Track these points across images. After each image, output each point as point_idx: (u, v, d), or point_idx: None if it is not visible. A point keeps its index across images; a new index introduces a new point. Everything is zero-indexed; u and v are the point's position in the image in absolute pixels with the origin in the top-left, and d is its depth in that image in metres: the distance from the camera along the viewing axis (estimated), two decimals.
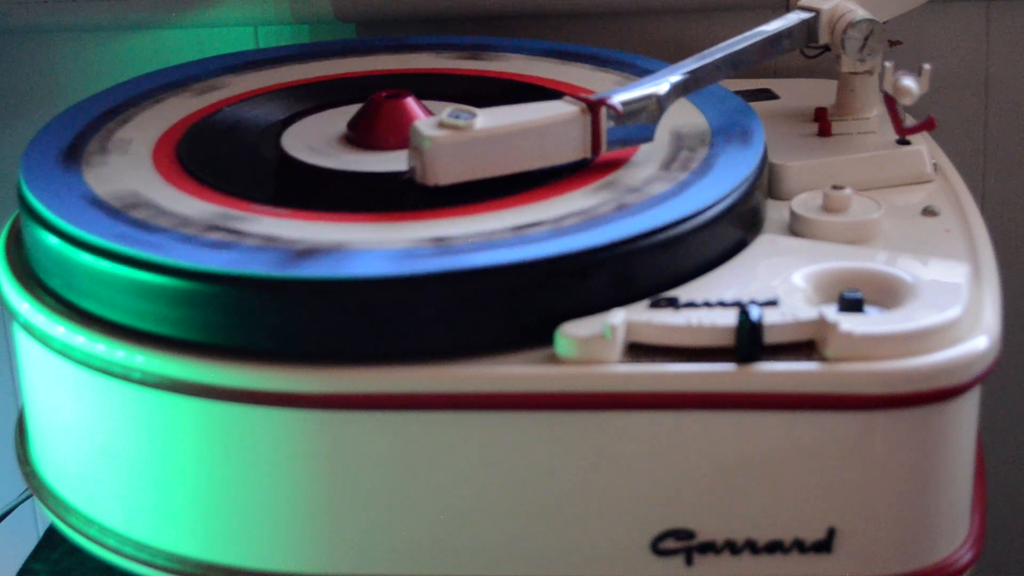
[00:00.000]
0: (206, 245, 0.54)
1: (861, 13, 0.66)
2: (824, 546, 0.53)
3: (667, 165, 0.61)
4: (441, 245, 0.53)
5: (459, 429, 0.52)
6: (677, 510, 0.53)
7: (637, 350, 0.52)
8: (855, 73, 0.69)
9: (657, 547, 0.54)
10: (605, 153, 0.60)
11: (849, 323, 0.51)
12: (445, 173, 0.57)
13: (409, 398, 0.52)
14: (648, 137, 0.61)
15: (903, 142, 0.68)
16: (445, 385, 0.52)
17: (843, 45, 0.66)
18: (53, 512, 0.60)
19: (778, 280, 0.55)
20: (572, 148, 0.60)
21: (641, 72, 0.71)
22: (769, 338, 0.52)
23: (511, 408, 0.52)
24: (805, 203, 0.62)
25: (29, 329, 0.57)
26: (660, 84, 0.62)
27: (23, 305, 0.57)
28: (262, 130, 0.67)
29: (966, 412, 0.54)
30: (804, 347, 0.52)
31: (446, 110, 0.58)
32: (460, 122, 0.57)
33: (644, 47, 0.86)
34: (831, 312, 0.53)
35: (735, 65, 0.64)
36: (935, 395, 0.52)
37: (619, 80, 0.72)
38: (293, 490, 0.53)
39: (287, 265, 0.52)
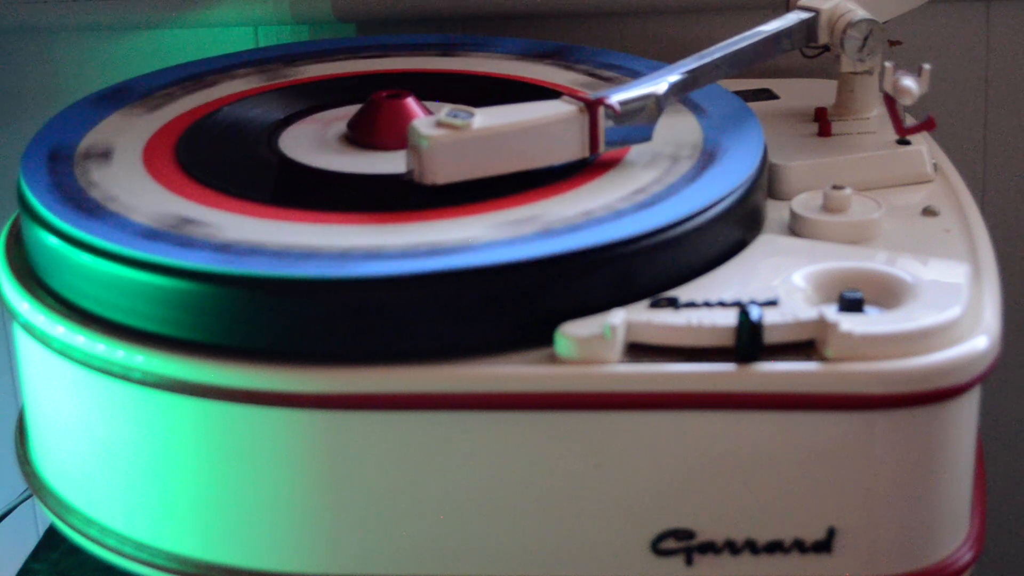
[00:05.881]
0: (204, 245, 0.54)
1: (861, 13, 0.66)
2: (824, 546, 0.53)
3: (666, 165, 0.61)
4: (441, 245, 0.53)
5: (459, 429, 0.52)
6: (677, 510, 0.53)
7: (637, 350, 0.52)
8: (855, 73, 0.69)
9: (657, 547, 0.53)
10: (603, 152, 0.60)
11: (849, 323, 0.51)
12: (443, 172, 0.57)
13: (409, 398, 0.52)
14: (647, 137, 0.61)
15: (903, 142, 0.68)
16: (445, 385, 0.52)
17: (843, 45, 0.66)
18: (53, 512, 0.60)
19: (778, 280, 0.55)
20: (570, 147, 0.60)
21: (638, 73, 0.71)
22: (769, 338, 0.52)
23: (511, 408, 0.52)
24: (805, 203, 0.62)
25: (29, 329, 0.57)
26: (659, 84, 0.61)
27: (23, 305, 0.57)
28: (261, 130, 0.67)
29: (966, 412, 0.54)
30: (804, 347, 0.52)
31: (444, 109, 0.58)
32: (458, 121, 0.57)
33: (644, 47, 0.86)
34: (831, 312, 0.53)
35: (735, 65, 0.64)
36: (935, 395, 0.52)
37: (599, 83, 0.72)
38: (293, 490, 0.53)
39: (287, 265, 0.52)
